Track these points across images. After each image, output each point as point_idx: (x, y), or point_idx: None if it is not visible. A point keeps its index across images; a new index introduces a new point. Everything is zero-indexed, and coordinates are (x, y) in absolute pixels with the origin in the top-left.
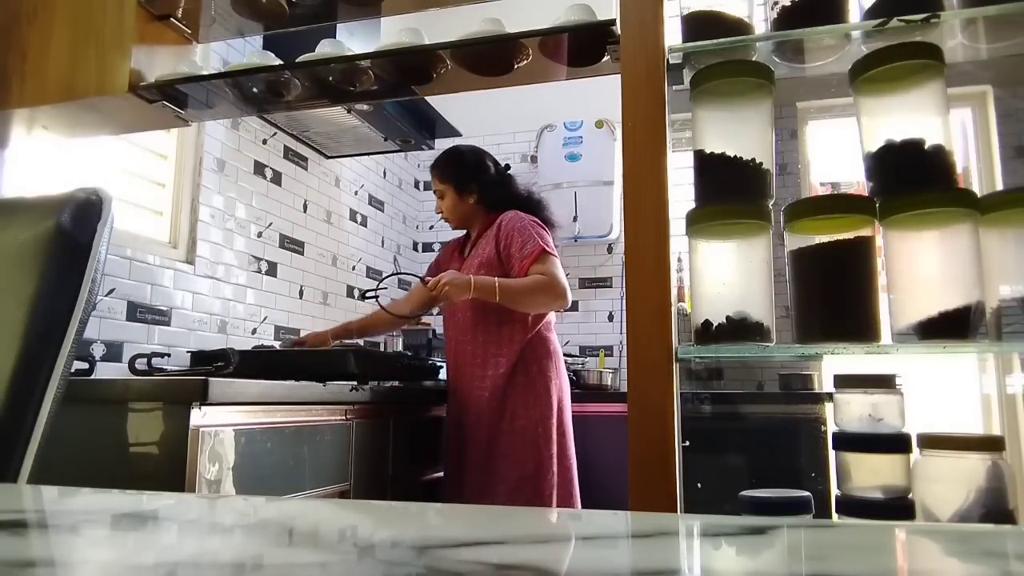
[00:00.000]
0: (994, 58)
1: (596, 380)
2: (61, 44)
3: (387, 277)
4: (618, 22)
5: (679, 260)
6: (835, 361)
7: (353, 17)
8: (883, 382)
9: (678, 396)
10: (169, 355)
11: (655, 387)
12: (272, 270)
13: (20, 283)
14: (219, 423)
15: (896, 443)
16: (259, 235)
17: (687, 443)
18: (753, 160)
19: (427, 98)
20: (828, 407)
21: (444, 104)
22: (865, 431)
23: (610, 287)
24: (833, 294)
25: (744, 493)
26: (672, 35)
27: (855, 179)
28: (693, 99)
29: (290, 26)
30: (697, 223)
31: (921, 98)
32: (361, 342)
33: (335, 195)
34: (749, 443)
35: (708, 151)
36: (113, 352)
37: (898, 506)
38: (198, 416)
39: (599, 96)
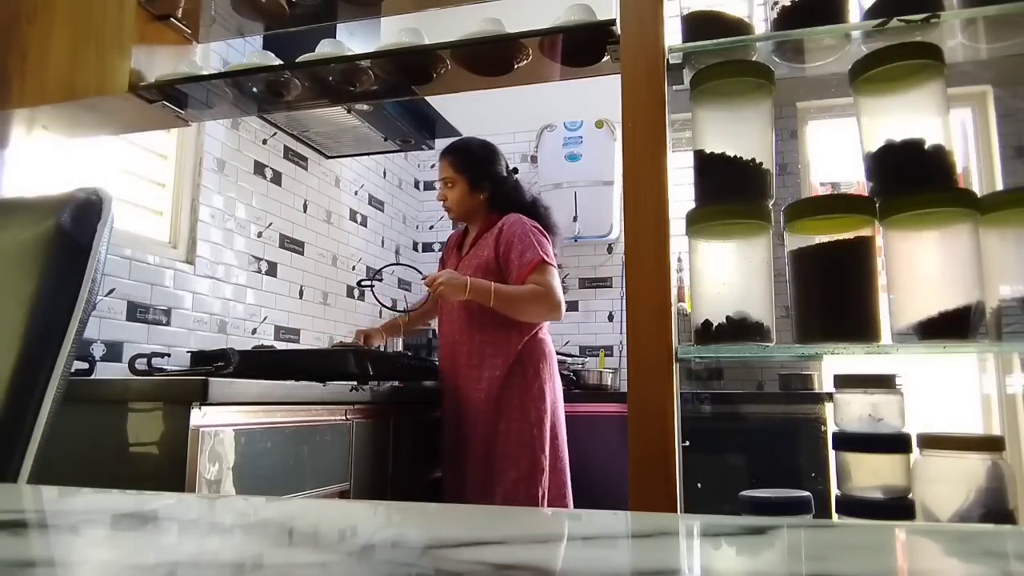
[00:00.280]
0: (994, 58)
1: (596, 380)
2: (61, 44)
3: (385, 267)
4: (618, 22)
5: (679, 260)
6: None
7: (353, 17)
8: (883, 382)
9: (678, 396)
10: (169, 355)
11: (655, 387)
12: (272, 270)
13: (20, 283)
14: (219, 423)
15: (896, 443)
16: (259, 235)
17: (687, 443)
18: (753, 160)
19: (427, 98)
20: (828, 407)
21: (444, 104)
22: (865, 431)
23: (610, 287)
24: (833, 294)
25: (744, 493)
26: (672, 35)
27: (855, 179)
28: (693, 99)
29: (290, 26)
30: (697, 223)
31: (921, 98)
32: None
33: (335, 195)
34: (749, 443)
35: (708, 151)
36: (113, 352)
37: (898, 506)
38: (198, 416)
39: (599, 96)
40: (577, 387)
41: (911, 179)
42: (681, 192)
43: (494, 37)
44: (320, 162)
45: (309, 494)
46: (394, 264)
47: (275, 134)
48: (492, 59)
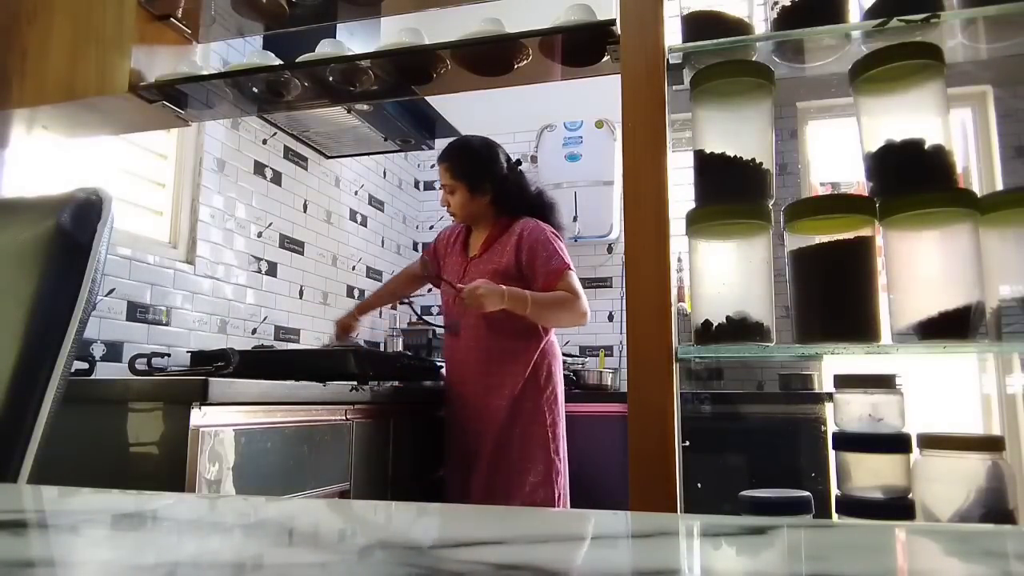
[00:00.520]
0: (994, 58)
1: (596, 380)
2: (61, 44)
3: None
4: (618, 22)
5: (679, 260)
6: (835, 361)
7: (353, 17)
8: (883, 382)
9: (678, 396)
10: (169, 355)
11: (655, 387)
12: (272, 270)
13: (20, 283)
14: (219, 423)
15: (896, 443)
16: (259, 235)
17: (687, 443)
18: (753, 160)
19: (427, 98)
20: (828, 407)
21: (444, 104)
22: (865, 431)
23: (610, 287)
24: (833, 294)
25: (744, 493)
26: (672, 35)
27: (855, 179)
28: (693, 99)
29: (290, 26)
30: (697, 223)
31: (921, 98)
32: (362, 342)
33: (335, 195)
34: (749, 443)
35: (708, 151)
36: (113, 352)
37: (898, 506)
38: (198, 416)
39: (599, 96)
40: (577, 387)
41: (911, 179)
42: (681, 192)
43: (494, 37)
44: (320, 162)
45: (309, 494)
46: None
47: (275, 134)
48: (492, 59)
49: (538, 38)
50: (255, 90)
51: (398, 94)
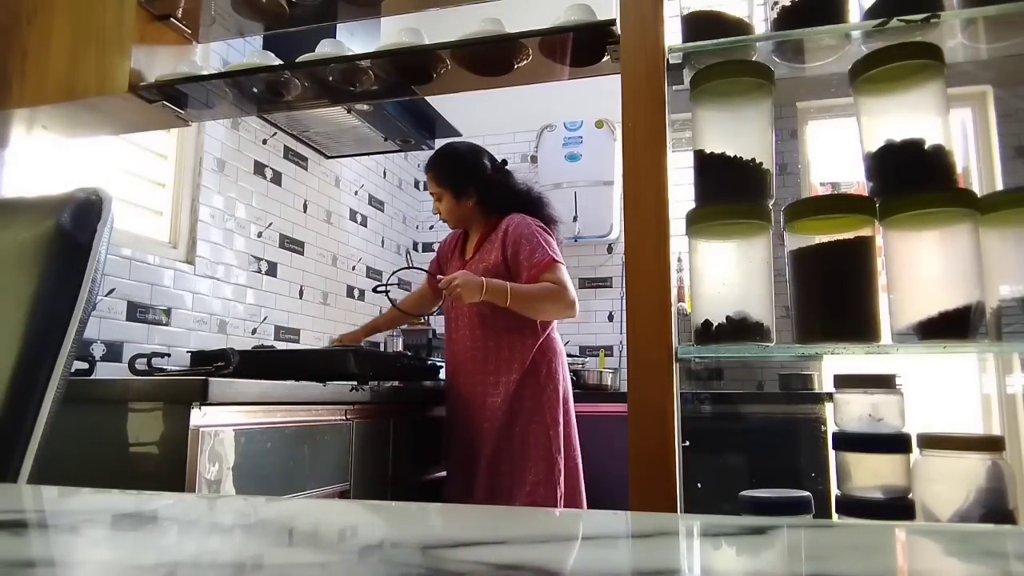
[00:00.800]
0: (994, 58)
1: (596, 380)
2: (61, 44)
3: (399, 271)
4: (618, 22)
5: (679, 260)
6: (835, 361)
7: (353, 17)
8: (883, 382)
9: (678, 396)
10: (169, 355)
11: (655, 387)
12: (272, 270)
13: (20, 283)
14: (219, 423)
15: (896, 443)
16: (259, 235)
17: (687, 443)
18: (753, 160)
19: (427, 98)
20: (828, 407)
21: (444, 104)
22: (865, 431)
23: (610, 287)
24: (833, 294)
25: (744, 493)
26: (672, 35)
27: (855, 179)
28: (693, 99)
29: (290, 26)
30: (697, 223)
31: (921, 98)
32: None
33: (335, 195)
34: (749, 443)
35: (708, 151)
36: (113, 352)
37: (898, 506)
38: (198, 416)
39: (599, 96)
40: (577, 387)
41: (911, 179)
42: (681, 192)
43: (494, 37)
44: (320, 162)
45: (309, 494)
46: (406, 268)
47: (275, 134)
48: (492, 59)
49: (538, 38)
50: (255, 90)
51: (398, 94)
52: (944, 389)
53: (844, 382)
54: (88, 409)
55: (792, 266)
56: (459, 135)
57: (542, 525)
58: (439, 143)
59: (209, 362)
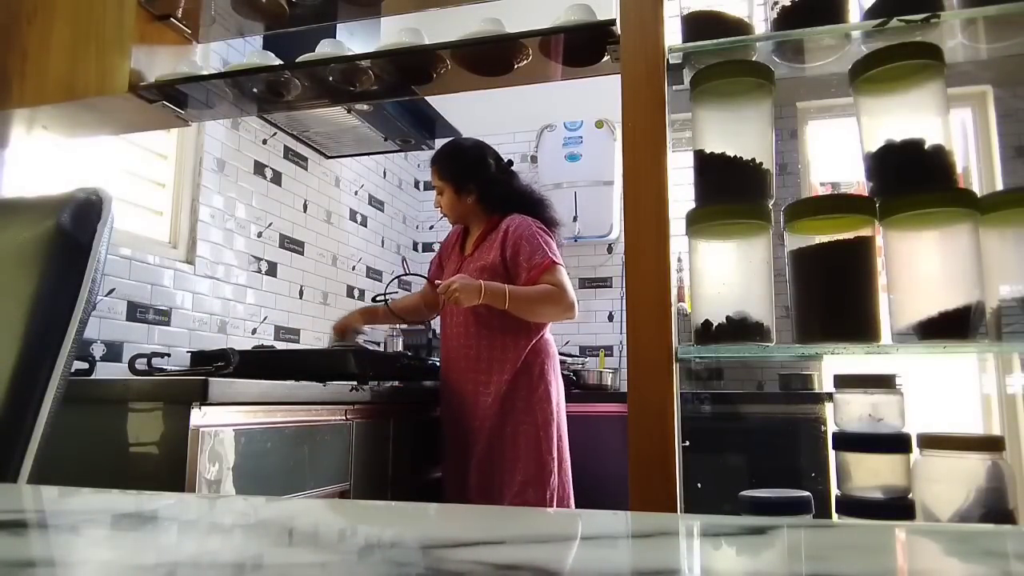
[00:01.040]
0: (994, 58)
1: (596, 380)
2: (61, 44)
3: (396, 277)
4: (618, 22)
5: (679, 260)
6: (835, 361)
7: (353, 17)
8: (883, 382)
9: (678, 396)
10: (169, 355)
11: (655, 387)
12: (272, 270)
13: (20, 283)
14: (219, 423)
15: (896, 443)
16: (259, 235)
17: (687, 443)
18: (753, 160)
19: (427, 98)
20: (828, 407)
21: (444, 104)
22: (865, 431)
23: (610, 287)
24: (833, 294)
25: (744, 493)
26: (672, 35)
27: (855, 179)
28: (693, 99)
29: (290, 26)
30: (697, 223)
31: (921, 98)
32: (361, 341)
33: (335, 195)
34: (749, 443)
35: (708, 151)
36: (113, 352)
37: (898, 506)
38: (198, 416)
39: (599, 96)
40: (577, 387)
41: (911, 179)
42: (681, 192)
43: (494, 37)
44: (320, 162)
45: (309, 494)
46: (403, 275)
47: (275, 134)
48: (492, 59)
49: (538, 38)
50: (255, 90)
51: (398, 94)
52: (944, 389)
53: (844, 382)
54: (88, 409)
55: (792, 266)
56: (459, 135)
57: (542, 525)
58: (439, 143)
59: (209, 362)
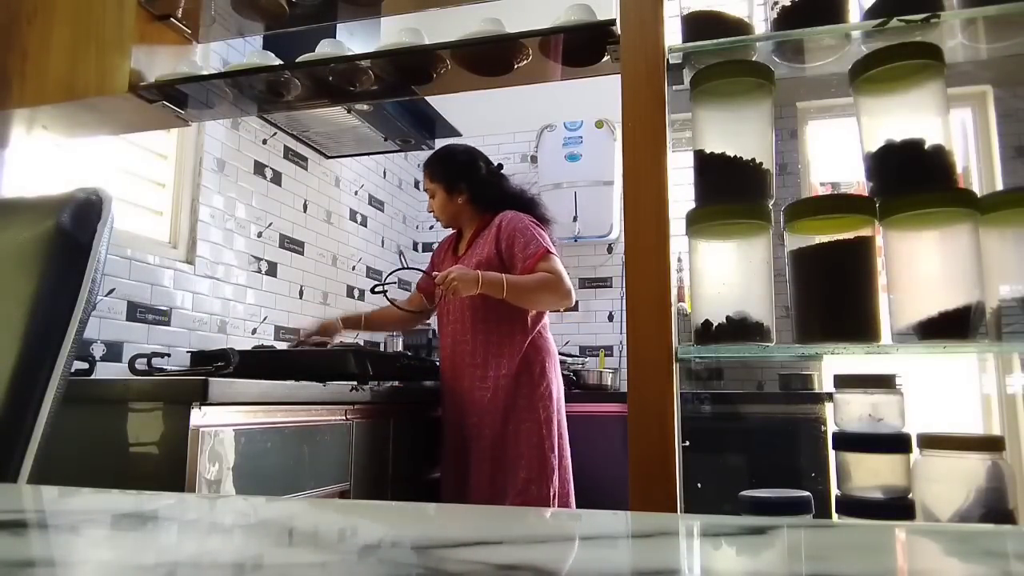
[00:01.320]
0: (994, 58)
1: (596, 380)
2: (61, 44)
3: (396, 271)
4: (618, 22)
5: (679, 260)
6: (835, 361)
7: (353, 17)
8: (883, 382)
9: (678, 396)
10: (169, 355)
11: (655, 387)
12: (272, 270)
13: (20, 283)
14: (219, 423)
15: (896, 443)
16: (259, 235)
17: (687, 443)
18: (753, 160)
19: (427, 98)
20: (828, 407)
21: (444, 104)
22: (865, 431)
23: (610, 287)
24: (833, 294)
25: (744, 493)
26: (672, 35)
27: (855, 179)
28: (693, 99)
29: (290, 26)
30: (697, 223)
31: (921, 98)
32: (361, 341)
33: (335, 195)
34: (749, 443)
35: (708, 151)
36: (113, 352)
37: (898, 506)
38: (198, 416)
39: (599, 96)
40: (577, 387)
41: (911, 179)
42: (681, 192)
43: (494, 37)
44: (320, 162)
45: (309, 494)
46: (401, 269)
47: (275, 134)
48: (492, 59)
49: (538, 38)
50: (255, 90)
51: (398, 94)
52: (944, 389)
53: (844, 382)
54: (88, 409)
55: (792, 266)
56: (459, 135)
57: (542, 525)
58: (439, 143)
59: (209, 362)
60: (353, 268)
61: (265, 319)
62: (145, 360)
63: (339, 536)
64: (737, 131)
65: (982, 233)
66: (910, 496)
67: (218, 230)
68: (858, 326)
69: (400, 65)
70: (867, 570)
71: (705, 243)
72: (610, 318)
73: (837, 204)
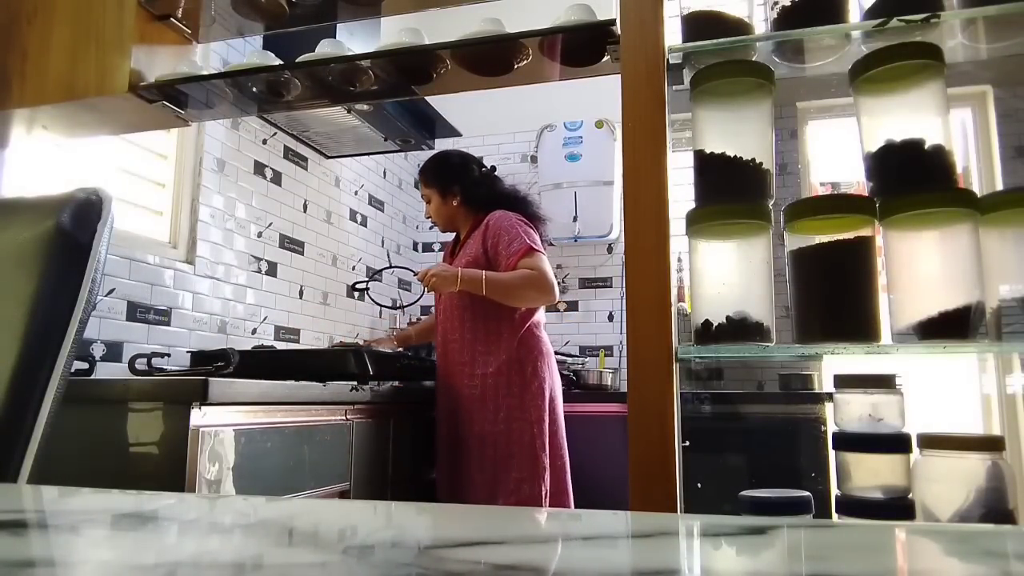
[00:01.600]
0: (994, 58)
1: (596, 380)
2: (61, 44)
3: (381, 271)
4: (618, 22)
5: (679, 260)
6: (835, 361)
7: (353, 17)
8: (883, 382)
9: (678, 396)
10: (169, 355)
11: (655, 387)
12: (272, 270)
13: (20, 283)
14: (219, 423)
15: (896, 443)
16: (259, 235)
17: (687, 443)
18: (753, 160)
19: (427, 98)
20: (828, 407)
21: (444, 104)
22: (865, 431)
23: (610, 287)
24: (833, 294)
25: (744, 493)
26: (672, 35)
27: (855, 179)
28: (693, 99)
29: (290, 26)
30: (697, 223)
31: (921, 98)
32: (361, 341)
33: (335, 195)
34: (749, 443)
35: (708, 151)
36: (113, 352)
37: (898, 506)
38: (198, 416)
39: (599, 96)
40: (577, 387)
41: (911, 179)
42: (681, 192)
43: (494, 37)
44: (320, 162)
45: (309, 494)
46: (388, 268)
47: (275, 134)
48: (492, 59)
49: (538, 38)
50: (255, 90)
51: (398, 94)
52: (944, 389)
53: (844, 382)
54: (88, 409)
55: (792, 266)
56: (459, 135)
57: (542, 525)
58: (439, 143)
59: (209, 362)
60: (353, 268)
61: (265, 319)
62: (145, 360)
63: (339, 536)
64: (737, 131)
65: (982, 233)
66: (910, 496)
67: (218, 230)
68: (858, 326)
69: (400, 65)
70: (867, 570)
71: (705, 243)
72: (610, 318)
73: (837, 204)
